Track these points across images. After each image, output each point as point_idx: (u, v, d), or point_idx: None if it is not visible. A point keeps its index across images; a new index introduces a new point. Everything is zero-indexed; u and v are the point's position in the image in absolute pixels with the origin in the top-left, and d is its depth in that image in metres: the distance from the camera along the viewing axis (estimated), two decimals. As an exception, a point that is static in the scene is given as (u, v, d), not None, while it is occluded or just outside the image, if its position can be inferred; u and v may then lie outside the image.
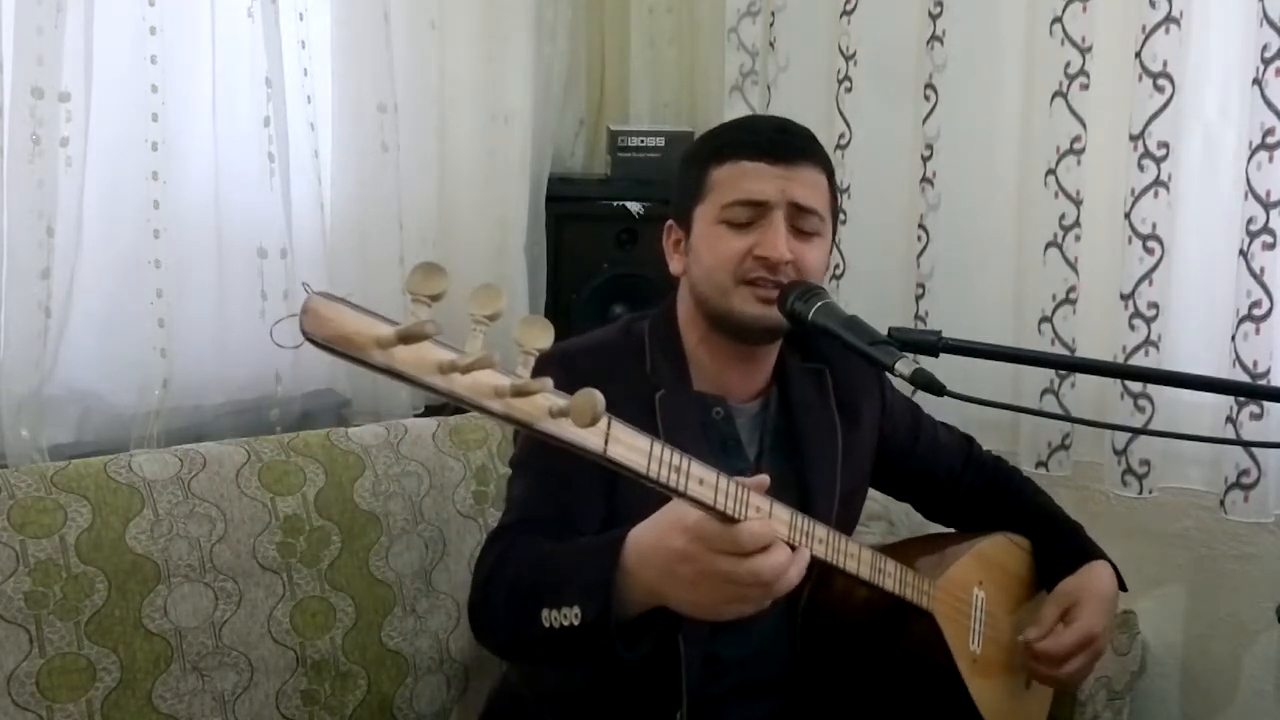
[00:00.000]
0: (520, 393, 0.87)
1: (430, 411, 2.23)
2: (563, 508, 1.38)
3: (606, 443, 0.95)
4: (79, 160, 1.78)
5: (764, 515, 1.11)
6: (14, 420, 1.75)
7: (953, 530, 1.74)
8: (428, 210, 2.22)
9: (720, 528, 1.08)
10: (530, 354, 0.87)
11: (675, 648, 1.43)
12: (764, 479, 1.13)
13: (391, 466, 1.82)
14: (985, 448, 1.79)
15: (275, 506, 1.70)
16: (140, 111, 1.87)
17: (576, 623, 1.18)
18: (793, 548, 1.14)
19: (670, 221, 1.55)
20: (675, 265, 1.55)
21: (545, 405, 0.90)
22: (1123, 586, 1.62)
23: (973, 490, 1.73)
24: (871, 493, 1.78)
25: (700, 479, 1.05)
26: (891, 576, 1.37)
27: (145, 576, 1.58)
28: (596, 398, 0.88)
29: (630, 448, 0.97)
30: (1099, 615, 1.55)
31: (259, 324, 2.02)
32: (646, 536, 1.16)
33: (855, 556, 1.30)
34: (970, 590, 1.53)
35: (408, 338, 0.80)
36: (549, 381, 0.87)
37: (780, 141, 1.47)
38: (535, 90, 2.36)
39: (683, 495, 1.04)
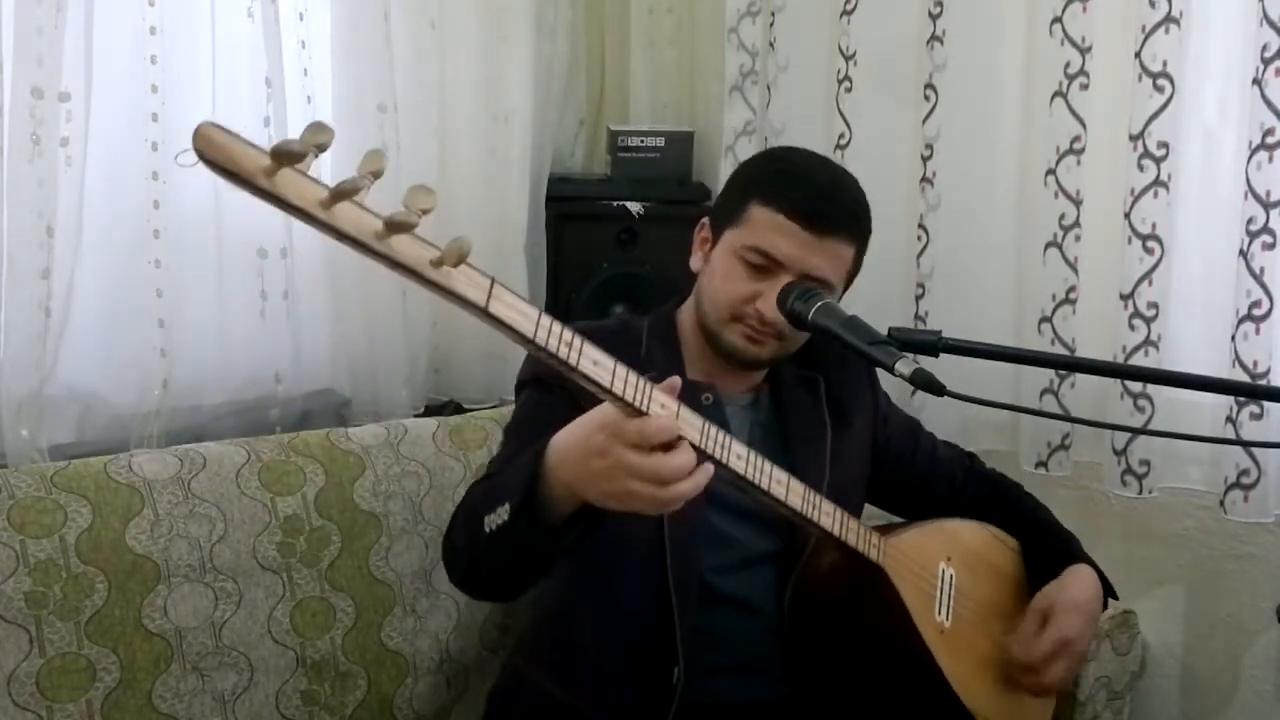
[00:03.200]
0: (393, 226, 0.91)
1: (430, 412, 2.24)
2: None
3: (489, 299, 0.98)
4: (79, 160, 1.78)
5: (670, 413, 1.13)
6: (14, 420, 1.75)
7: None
8: (428, 210, 2.22)
9: (629, 421, 1.12)
10: (415, 213, 0.92)
11: (670, 617, 1.45)
12: (675, 381, 1.15)
13: (391, 467, 1.82)
14: (985, 448, 1.79)
15: (275, 506, 1.70)
16: (140, 111, 1.87)
17: (507, 517, 1.23)
18: (710, 457, 1.17)
19: (706, 220, 1.59)
20: (695, 262, 1.59)
21: (426, 256, 0.93)
22: (1113, 594, 1.62)
23: (975, 502, 1.74)
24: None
25: (595, 360, 1.08)
26: (829, 515, 1.36)
27: (145, 576, 1.59)
28: (464, 241, 0.92)
29: (517, 311, 1.01)
30: (1074, 619, 1.54)
31: (259, 324, 2.02)
32: (567, 437, 1.20)
33: (783, 484, 1.30)
34: (934, 562, 1.54)
35: (283, 156, 0.85)
36: (416, 216, 0.91)
37: (821, 211, 1.49)
38: (535, 90, 2.36)
39: (574, 370, 1.06)
